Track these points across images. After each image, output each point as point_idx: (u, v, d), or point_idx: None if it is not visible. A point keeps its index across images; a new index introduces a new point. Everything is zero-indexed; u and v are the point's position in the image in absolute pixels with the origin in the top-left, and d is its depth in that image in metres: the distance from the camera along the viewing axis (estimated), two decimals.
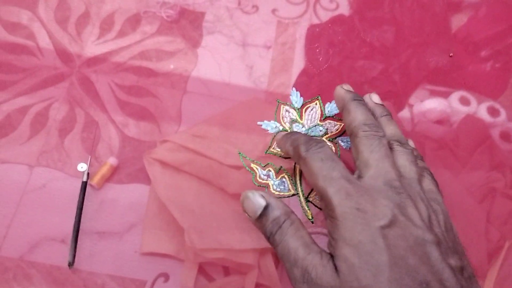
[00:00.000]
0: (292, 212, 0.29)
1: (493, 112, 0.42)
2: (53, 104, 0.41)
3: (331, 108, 0.36)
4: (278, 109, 0.36)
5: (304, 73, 0.43)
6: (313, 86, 0.42)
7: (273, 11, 0.47)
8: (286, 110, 0.36)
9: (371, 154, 0.29)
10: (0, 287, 0.34)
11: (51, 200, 0.37)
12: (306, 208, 0.34)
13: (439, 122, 0.42)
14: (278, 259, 0.35)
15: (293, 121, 0.36)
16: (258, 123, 0.35)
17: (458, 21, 0.46)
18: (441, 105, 0.42)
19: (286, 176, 0.34)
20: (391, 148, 0.31)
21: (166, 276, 0.35)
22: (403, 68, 0.44)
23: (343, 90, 0.34)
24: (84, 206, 0.36)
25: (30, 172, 0.38)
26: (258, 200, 0.29)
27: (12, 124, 0.40)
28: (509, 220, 0.38)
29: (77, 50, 0.43)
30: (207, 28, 0.46)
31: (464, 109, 0.42)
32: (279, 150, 0.35)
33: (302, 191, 0.33)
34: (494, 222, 0.37)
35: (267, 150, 0.35)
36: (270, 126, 0.36)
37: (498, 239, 0.37)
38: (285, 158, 0.35)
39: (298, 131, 0.35)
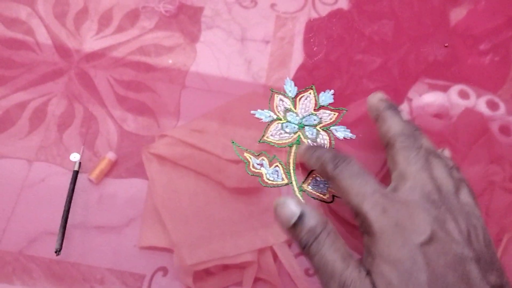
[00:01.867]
0: (328, 221, 0.27)
1: (492, 105, 0.42)
2: (52, 99, 0.41)
3: (325, 97, 0.36)
4: (272, 98, 0.36)
5: (302, 67, 0.43)
6: (311, 81, 0.42)
7: (272, 5, 0.47)
8: (280, 99, 0.36)
9: (409, 166, 0.28)
10: (0, 282, 0.34)
11: (50, 194, 0.37)
12: (300, 197, 0.34)
13: (438, 116, 0.42)
14: (276, 254, 0.35)
15: (287, 110, 0.36)
16: (252, 112, 0.35)
17: (457, 14, 0.46)
18: (440, 99, 0.42)
19: (279, 165, 0.34)
20: (427, 160, 0.30)
21: (164, 270, 0.35)
22: (402, 62, 0.44)
23: (376, 99, 0.33)
24: (82, 200, 0.37)
25: (29, 167, 0.38)
26: (292, 208, 0.27)
27: (11, 119, 0.40)
28: (508, 213, 0.38)
29: (75, 45, 0.43)
30: (206, 23, 0.46)
31: (463, 103, 0.42)
32: (273, 138, 0.35)
33: (295, 180, 0.33)
34: (493, 216, 0.37)
35: (260, 139, 0.35)
36: (264, 115, 0.36)
37: (497, 232, 0.37)
38: (279, 146, 0.35)
39: (293, 120, 0.35)
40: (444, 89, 0.43)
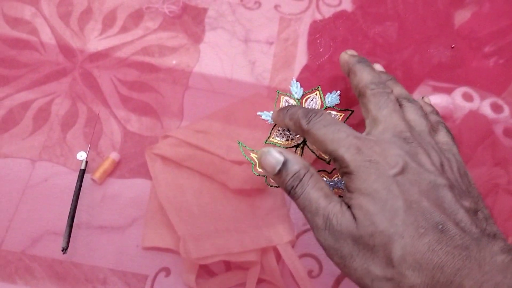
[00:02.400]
0: (310, 165, 0.29)
1: (496, 108, 0.42)
2: (55, 99, 0.41)
3: (332, 98, 0.36)
4: (278, 100, 0.36)
5: (306, 68, 0.43)
6: (315, 82, 0.42)
7: (276, 7, 0.47)
8: (286, 101, 0.36)
9: (379, 110, 0.30)
10: (2, 281, 0.34)
11: (53, 194, 0.37)
12: None
13: (442, 118, 0.41)
14: (280, 254, 0.35)
15: None
16: (258, 113, 0.35)
17: (462, 17, 0.46)
18: (444, 101, 0.42)
19: None
20: (400, 105, 0.32)
21: (167, 271, 0.35)
22: (406, 64, 0.43)
23: (347, 55, 0.35)
24: (86, 200, 0.37)
25: (33, 167, 0.38)
26: (276, 156, 0.29)
27: (15, 119, 0.40)
28: (511, 216, 0.37)
29: (79, 46, 0.43)
30: (210, 23, 0.46)
31: (467, 105, 0.42)
32: (278, 139, 0.35)
33: None
34: (497, 218, 0.37)
35: (266, 140, 0.34)
36: (270, 116, 0.36)
37: None
38: (286, 148, 0.35)
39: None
40: (448, 91, 0.43)
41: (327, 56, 0.43)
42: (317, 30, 0.45)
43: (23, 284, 0.34)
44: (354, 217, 0.26)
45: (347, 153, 0.27)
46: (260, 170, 0.34)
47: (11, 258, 0.35)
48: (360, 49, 0.44)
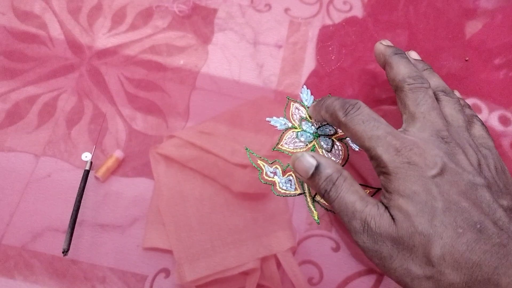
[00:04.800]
0: (343, 168, 0.29)
1: (504, 121, 0.42)
2: (61, 95, 0.41)
3: None
4: (287, 106, 0.36)
5: (314, 73, 0.43)
6: (323, 87, 0.42)
7: (286, 10, 0.47)
8: (296, 108, 0.36)
9: (417, 107, 0.30)
10: (1, 276, 0.34)
11: (56, 190, 0.37)
12: (313, 208, 0.33)
13: None
14: (279, 260, 0.35)
15: (302, 119, 0.36)
16: (267, 119, 0.35)
17: (473, 27, 0.46)
18: None
19: (293, 175, 0.34)
20: (437, 98, 0.32)
21: (167, 272, 0.35)
22: None
23: (382, 45, 0.34)
24: (88, 197, 0.36)
25: (36, 162, 0.38)
26: (309, 160, 0.29)
27: (20, 113, 0.40)
28: None
29: (88, 42, 0.43)
30: (219, 25, 0.45)
31: None
32: (287, 147, 0.34)
33: (309, 190, 0.33)
34: None
35: (274, 147, 0.34)
36: (279, 122, 0.36)
37: None
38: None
39: (308, 129, 0.35)
40: None
41: (338, 64, 0.42)
42: (327, 36, 0.45)
43: (22, 279, 0.34)
44: (393, 219, 0.26)
45: (386, 154, 0.27)
46: (266, 178, 0.34)
47: (11, 253, 0.35)
48: (369, 56, 0.44)
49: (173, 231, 0.35)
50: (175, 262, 0.34)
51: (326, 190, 0.29)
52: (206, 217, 0.36)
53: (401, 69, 0.32)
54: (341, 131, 0.36)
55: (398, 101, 0.32)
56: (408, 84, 0.31)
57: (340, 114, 0.30)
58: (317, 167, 0.29)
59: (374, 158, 0.28)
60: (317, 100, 0.34)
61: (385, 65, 0.33)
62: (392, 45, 0.34)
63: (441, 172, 0.26)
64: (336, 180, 0.28)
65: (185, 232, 0.35)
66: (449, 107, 0.31)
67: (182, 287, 0.34)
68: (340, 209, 0.28)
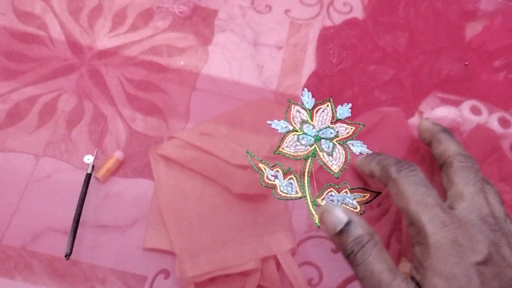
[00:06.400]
0: (375, 232, 0.28)
1: (504, 123, 0.42)
2: (62, 95, 0.41)
3: (343, 111, 0.36)
4: (288, 109, 0.36)
5: (314, 75, 0.43)
6: (323, 89, 0.42)
7: (286, 11, 0.47)
8: (297, 111, 0.36)
9: (466, 186, 0.28)
10: (1, 276, 0.34)
11: (56, 191, 0.37)
12: (313, 212, 0.33)
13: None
14: (279, 261, 0.35)
15: (303, 122, 0.36)
16: (268, 122, 0.35)
17: (473, 29, 0.46)
18: (451, 114, 0.42)
19: (294, 178, 0.34)
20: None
21: (166, 273, 0.35)
22: (414, 74, 0.43)
23: (429, 122, 0.33)
24: (88, 198, 0.36)
25: (36, 162, 0.38)
26: (339, 215, 0.28)
27: (21, 114, 0.40)
28: None
29: (88, 42, 0.43)
30: (219, 26, 0.45)
31: (475, 119, 0.42)
32: (288, 150, 0.34)
33: (309, 194, 0.33)
34: None
35: (275, 151, 0.34)
36: (280, 125, 0.36)
37: None
38: (295, 159, 0.35)
39: (309, 132, 0.35)
40: (456, 104, 0.43)
41: (340, 67, 0.42)
42: (327, 38, 0.45)
43: (22, 279, 0.34)
44: None
45: (430, 224, 0.26)
46: (267, 181, 0.34)
47: (11, 253, 0.35)
48: (369, 57, 0.44)
49: (174, 226, 0.35)
50: (177, 257, 0.34)
51: (353, 252, 0.27)
52: (206, 215, 0.36)
53: (451, 146, 0.31)
54: (342, 134, 0.35)
55: (444, 176, 0.31)
56: (459, 162, 0.30)
57: (393, 169, 0.29)
58: (347, 223, 0.27)
59: (416, 225, 0.26)
60: (368, 154, 0.33)
61: (432, 140, 0.32)
62: (437, 123, 0.34)
63: (486, 261, 0.25)
64: (366, 243, 0.27)
65: (186, 228, 0.35)
66: (492, 197, 0.29)
67: None
68: (364, 275, 0.26)
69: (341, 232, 0.27)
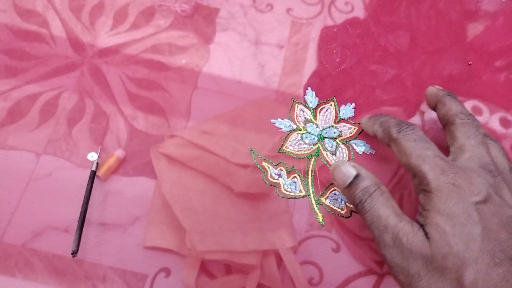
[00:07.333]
0: (381, 183, 0.29)
1: (505, 123, 0.42)
2: (63, 93, 0.41)
3: (346, 110, 0.36)
4: (292, 108, 0.36)
5: (316, 74, 0.43)
6: (325, 88, 0.42)
7: (288, 10, 0.47)
8: (301, 110, 0.36)
9: (467, 140, 0.30)
10: (2, 274, 0.34)
11: (57, 189, 0.37)
12: (317, 210, 0.33)
13: None
14: (280, 260, 0.35)
15: (307, 120, 0.36)
16: (272, 120, 0.35)
17: (475, 29, 0.46)
18: None
19: (297, 177, 0.34)
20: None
21: (167, 271, 0.35)
22: (416, 74, 0.43)
23: (435, 88, 0.35)
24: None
25: (37, 160, 0.38)
26: (348, 169, 0.30)
27: (21, 111, 0.40)
28: None
29: (89, 40, 0.43)
30: (221, 24, 0.45)
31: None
32: (292, 148, 0.34)
33: (313, 192, 0.33)
34: None
35: (279, 149, 0.34)
36: (284, 124, 0.36)
37: None
38: (298, 158, 0.35)
39: (312, 131, 0.35)
40: None
41: (343, 66, 0.42)
42: (329, 37, 0.45)
43: (22, 278, 0.34)
44: (427, 237, 0.26)
45: (431, 172, 0.27)
46: (271, 179, 0.34)
47: (12, 251, 0.35)
48: (371, 57, 0.44)
49: (180, 211, 0.35)
50: (187, 232, 0.34)
51: (361, 200, 0.29)
52: (210, 207, 0.36)
53: (453, 106, 0.33)
54: (345, 134, 0.36)
55: (447, 134, 0.32)
56: (461, 119, 0.31)
57: (394, 130, 0.31)
58: (356, 177, 0.29)
59: (418, 175, 0.28)
60: (372, 114, 0.34)
61: (437, 103, 0.34)
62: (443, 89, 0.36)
63: (485, 201, 0.26)
64: (373, 192, 0.28)
65: (192, 215, 0.35)
66: (495, 150, 0.31)
67: (183, 287, 0.34)
68: (372, 220, 0.28)
69: (351, 184, 0.29)
